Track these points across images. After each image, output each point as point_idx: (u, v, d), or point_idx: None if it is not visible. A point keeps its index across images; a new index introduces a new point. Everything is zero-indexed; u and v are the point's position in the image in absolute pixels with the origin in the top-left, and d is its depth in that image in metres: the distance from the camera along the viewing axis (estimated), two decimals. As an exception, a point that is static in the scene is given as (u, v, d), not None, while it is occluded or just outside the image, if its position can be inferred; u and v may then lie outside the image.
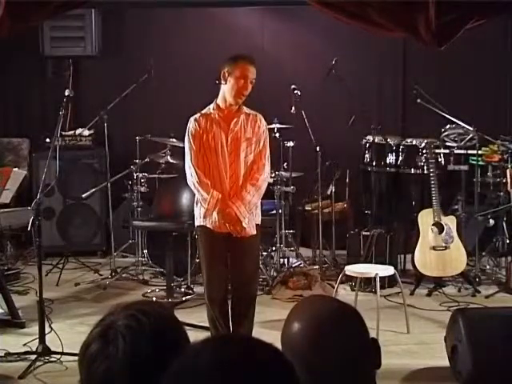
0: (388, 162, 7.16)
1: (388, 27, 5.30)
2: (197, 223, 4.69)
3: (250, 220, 4.59)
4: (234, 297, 4.77)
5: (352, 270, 5.53)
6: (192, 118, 4.65)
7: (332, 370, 1.57)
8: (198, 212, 4.64)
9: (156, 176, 7.15)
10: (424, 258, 6.29)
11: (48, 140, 7.36)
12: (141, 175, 6.97)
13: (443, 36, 5.10)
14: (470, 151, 6.78)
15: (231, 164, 4.57)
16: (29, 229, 4.86)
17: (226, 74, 4.57)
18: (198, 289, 6.07)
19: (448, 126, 6.93)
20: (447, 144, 6.91)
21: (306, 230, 7.46)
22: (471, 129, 6.66)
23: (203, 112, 4.65)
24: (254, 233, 4.63)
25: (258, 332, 4.94)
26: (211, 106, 4.66)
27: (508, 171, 6.41)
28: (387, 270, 5.54)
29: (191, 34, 7.98)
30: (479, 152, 6.68)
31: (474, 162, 6.73)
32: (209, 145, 4.57)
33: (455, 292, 6.37)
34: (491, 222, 6.77)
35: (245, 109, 4.68)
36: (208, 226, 4.59)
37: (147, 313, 1.56)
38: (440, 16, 4.95)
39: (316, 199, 7.10)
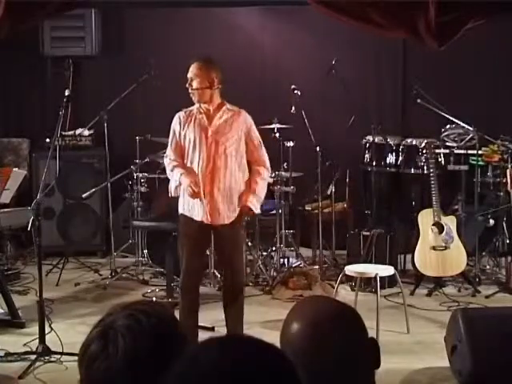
0: (388, 162, 7.17)
1: (388, 27, 5.30)
2: (179, 211, 4.89)
3: (231, 210, 4.76)
4: (223, 286, 5.06)
5: (352, 269, 5.53)
6: (176, 114, 4.91)
7: (331, 370, 1.57)
8: (181, 200, 4.84)
9: (156, 176, 7.14)
10: (424, 258, 6.29)
11: (48, 140, 7.35)
12: (141, 175, 6.97)
13: (443, 36, 5.10)
14: (470, 151, 6.79)
15: (208, 156, 4.73)
16: (29, 229, 4.86)
17: None
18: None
19: (448, 126, 6.93)
20: (447, 144, 6.92)
21: (306, 230, 7.46)
22: (471, 129, 6.66)
23: (189, 109, 4.89)
24: (233, 219, 4.77)
25: (259, 332, 4.95)
26: (196, 104, 4.87)
27: (508, 171, 6.41)
28: (387, 270, 5.54)
29: (191, 33, 7.97)
30: (479, 152, 6.69)
31: (474, 162, 6.73)
32: (189, 138, 4.79)
33: (455, 292, 6.37)
34: (491, 222, 6.78)
35: (227, 105, 4.85)
36: (186, 214, 4.79)
37: (147, 313, 1.56)
38: (440, 16, 4.95)
39: (316, 199, 7.10)
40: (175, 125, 4.89)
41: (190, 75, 4.80)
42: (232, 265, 4.87)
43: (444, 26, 5.02)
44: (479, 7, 5.06)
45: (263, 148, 4.93)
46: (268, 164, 4.93)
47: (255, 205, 4.81)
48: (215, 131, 4.75)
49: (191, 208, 4.78)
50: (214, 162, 4.72)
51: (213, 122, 4.77)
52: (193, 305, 4.88)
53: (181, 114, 4.89)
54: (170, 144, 4.96)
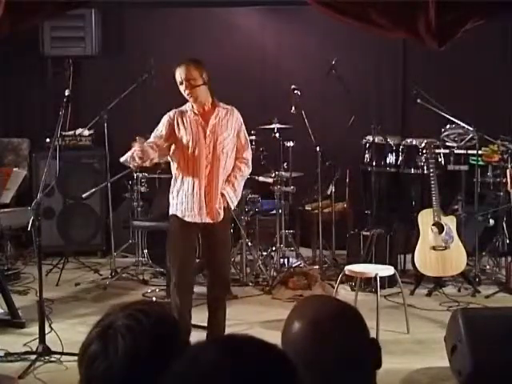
0: (388, 162, 7.17)
1: (388, 27, 5.30)
2: (170, 212, 4.89)
3: (220, 204, 4.76)
4: (209, 282, 4.96)
5: (352, 269, 5.53)
6: (167, 114, 4.86)
7: (332, 369, 1.57)
8: (172, 202, 4.85)
9: (156, 176, 7.14)
10: (424, 258, 6.29)
11: (48, 140, 7.36)
12: (141, 175, 6.97)
13: (443, 36, 5.09)
14: (470, 151, 6.79)
15: (207, 155, 4.72)
16: (29, 229, 4.85)
17: None
18: (198, 289, 6.06)
19: (448, 126, 6.93)
20: (447, 144, 6.92)
21: (306, 230, 7.46)
22: (471, 129, 6.66)
23: (180, 109, 4.85)
24: (222, 217, 4.76)
25: (259, 332, 4.94)
26: (187, 104, 4.83)
27: (508, 171, 6.41)
28: (387, 270, 5.54)
29: (192, 33, 7.98)
30: (479, 152, 6.69)
31: (474, 162, 6.73)
32: (186, 140, 4.73)
33: (455, 292, 6.37)
34: (491, 222, 6.78)
35: (220, 104, 4.83)
36: (178, 215, 4.78)
37: (147, 313, 1.56)
38: (440, 16, 4.95)
39: (316, 199, 7.10)
40: (167, 120, 4.81)
41: (184, 77, 4.70)
42: (222, 263, 4.87)
43: (444, 26, 5.02)
44: (479, 7, 5.05)
45: (249, 147, 4.93)
46: (250, 162, 4.90)
47: (231, 197, 4.76)
48: (212, 131, 4.72)
49: (186, 208, 4.75)
50: (213, 162, 4.71)
51: (209, 122, 4.74)
52: (188, 304, 4.86)
53: (171, 114, 4.83)
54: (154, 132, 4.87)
